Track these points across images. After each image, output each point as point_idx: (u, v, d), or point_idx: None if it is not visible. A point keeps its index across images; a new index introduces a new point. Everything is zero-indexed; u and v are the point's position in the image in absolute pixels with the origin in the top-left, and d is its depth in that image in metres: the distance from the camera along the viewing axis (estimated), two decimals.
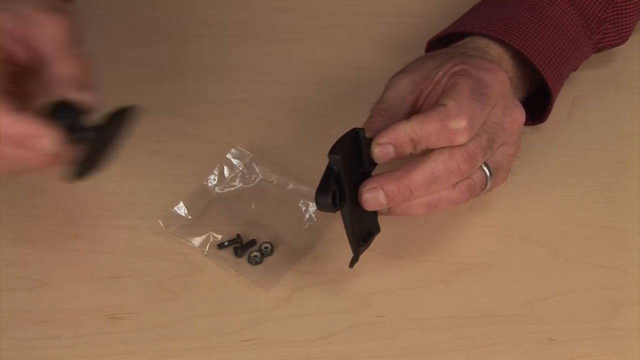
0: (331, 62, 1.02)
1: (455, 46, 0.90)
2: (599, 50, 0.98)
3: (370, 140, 0.79)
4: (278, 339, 0.82)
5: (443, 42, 0.94)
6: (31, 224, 0.89)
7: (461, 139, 0.79)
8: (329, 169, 0.77)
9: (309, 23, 1.07)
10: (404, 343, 0.82)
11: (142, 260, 0.86)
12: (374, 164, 0.80)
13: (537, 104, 0.95)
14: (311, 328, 0.82)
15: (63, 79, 0.79)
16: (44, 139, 0.77)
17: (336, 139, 0.77)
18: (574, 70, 0.97)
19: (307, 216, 0.89)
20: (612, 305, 0.84)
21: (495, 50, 0.90)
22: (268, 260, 0.86)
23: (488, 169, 0.83)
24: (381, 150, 0.80)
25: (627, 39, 0.98)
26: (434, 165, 0.79)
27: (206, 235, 0.87)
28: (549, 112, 0.94)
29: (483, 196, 0.89)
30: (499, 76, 0.82)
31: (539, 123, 0.95)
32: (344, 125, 0.93)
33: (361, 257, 0.85)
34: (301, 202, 0.89)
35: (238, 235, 0.87)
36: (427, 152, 0.80)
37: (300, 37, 1.05)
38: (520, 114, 0.84)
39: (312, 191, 0.77)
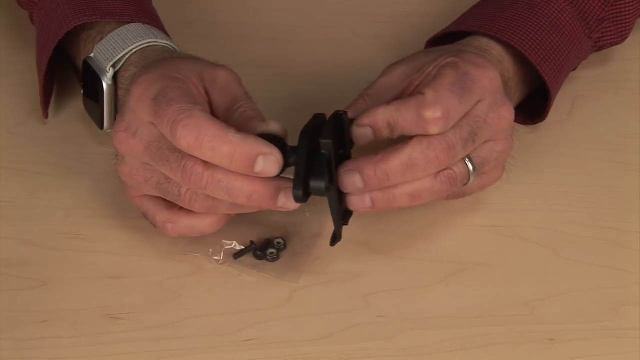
0: (331, 62, 1.02)
1: (457, 44, 0.90)
2: (599, 49, 0.98)
3: (352, 122, 0.81)
4: (278, 339, 0.82)
5: (442, 42, 0.94)
6: (31, 224, 0.89)
7: (435, 129, 0.79)
8: (320, 154, 0.77)
9: (309, 23, 1.07)
10: (404, 343, 0.82)
11: (142, 260, 0.86)
12: (352, 144, 0.81)
13: (537, 103, 0.95)
14: (311, 328, 0.82)
15: (252, 116, 0.81)
16: (270, 157, 0.77)
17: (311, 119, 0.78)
18: (574, 70, 0.97)
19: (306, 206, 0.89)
20: (612, 305, 0.84)
21: (496, 49, 0.90)
22: (285, 254, 0.86)
23: (472, 163, 0.82)
24: (360, 131, 0.81)
25: (626, 38, 0.98)
26: (412, 152, 0.79)
27: (218, 244, 0.87)
28: (548, 111, 0.94)
29: (483, 196, 0.89)
30: (489, 73, 0.82)
31: (539, 122, 0.95)
32: None
33: (361, 257, 0.86)
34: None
35: (252, 242, 0.87)
36: (408, 140, 0.80)
37: (300, 37, 1.05)
38: (508, 111, 0.83)
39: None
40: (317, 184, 0.77)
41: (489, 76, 0.82)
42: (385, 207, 0.81)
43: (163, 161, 0.79)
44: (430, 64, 0.84)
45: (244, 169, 0.77)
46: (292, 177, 0.78)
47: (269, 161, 0.77)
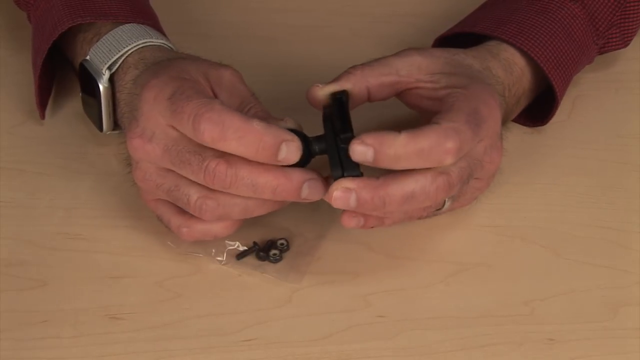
0: (331, 62, 1.02)
1: (485, 49, 0.89)
2: (601, 53, 0.98)
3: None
4: (278, 339, 0.82)
5: (451, 41, 0.93)
6: (31, 224, 0.89)
7: (449, 159, 0.77)
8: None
9: (309, 23, 1.07)
10: (404, 343, 0.82)
11: (142, 260, 0.86)
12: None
13: (538, 104, 0.95)
14: (311, 328, 0.82)
15: (264, 117, 0.81)
16: (292, 143, 0.77)
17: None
18: (576, 74, 0.97)
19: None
20: (612, 305, 0.84)
21: (520, 64, 0.90)
22: (288, 255, 0.86)
23: None
24: (359, 149, 0.76)
25: (629, 43, 0.98)
26: (415, 185, 0.77)
27: (221, 244, 0.86)
28: (551, 117, 0.94)
29: (483, 196, 0.89)
30: (495, 114, 0.82)
31: (540, 125, 0.95)
32: None
33: (361, 257, 0.86)
34: None
35: (255, 242, 0.87)
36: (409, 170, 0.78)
37: (300, 37, 1.05)
38: (498, 157, 0.83)
39: None
40: (351, 172, 0.78)
41: (495, 118, 0.82)
42: (374, 226, 0.81)
43: (184, 164, 0.79)
44: (443, 77, 0.83)
45: (268, 157, 0.77)
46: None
47: (292, 147, 0.77)
